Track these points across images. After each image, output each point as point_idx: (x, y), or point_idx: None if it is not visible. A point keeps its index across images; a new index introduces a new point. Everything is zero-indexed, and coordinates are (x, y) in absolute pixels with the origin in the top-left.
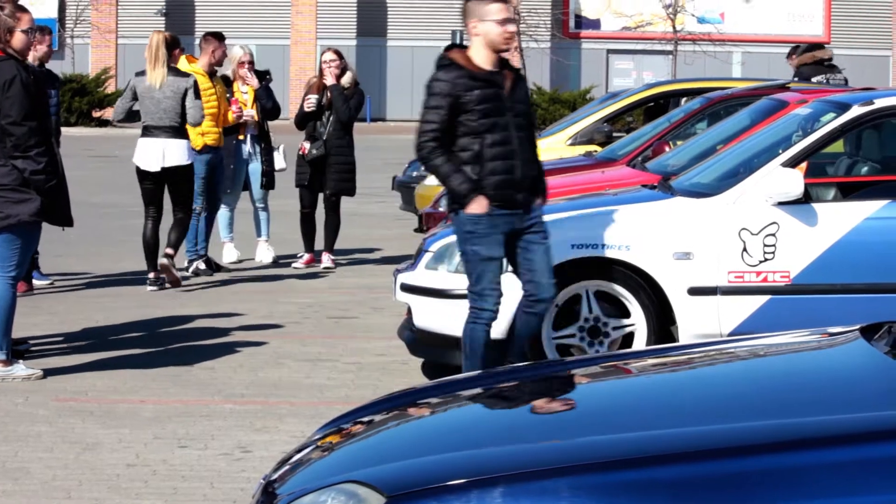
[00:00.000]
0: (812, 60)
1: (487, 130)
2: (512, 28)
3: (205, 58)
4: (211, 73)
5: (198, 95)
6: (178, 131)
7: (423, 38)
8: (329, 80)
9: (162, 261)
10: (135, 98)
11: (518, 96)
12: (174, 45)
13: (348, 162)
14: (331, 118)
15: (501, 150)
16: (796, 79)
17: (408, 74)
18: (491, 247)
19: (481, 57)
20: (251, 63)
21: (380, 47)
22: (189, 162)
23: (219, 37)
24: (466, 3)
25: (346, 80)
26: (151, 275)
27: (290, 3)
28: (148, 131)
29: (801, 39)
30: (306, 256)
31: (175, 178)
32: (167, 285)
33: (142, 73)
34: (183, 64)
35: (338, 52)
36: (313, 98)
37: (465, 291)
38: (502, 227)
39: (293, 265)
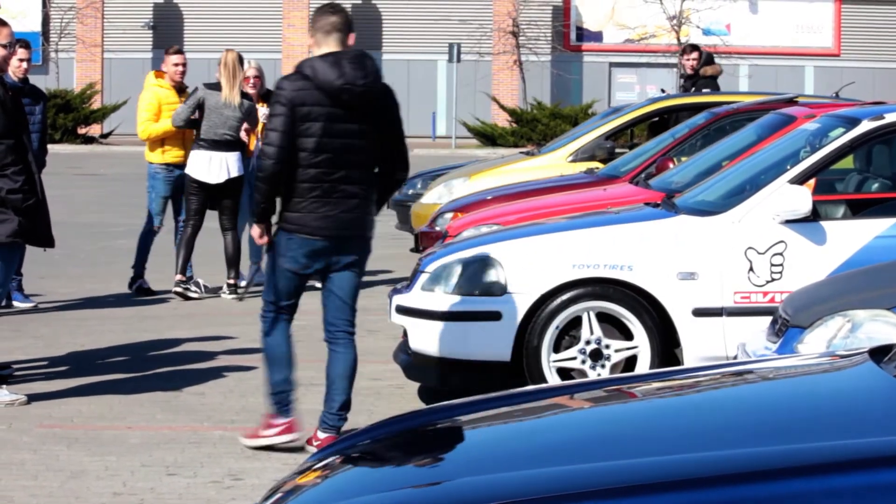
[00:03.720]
0: (715, 74)
1: None
2: None
3: (168, 72)
4: (179, 89)
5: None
6: (237, 145)
7: (419, 52)
8: None
9: (232, 297)
10: (198, 108)
11: None
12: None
13: None
14: None
15: None
16: (695, 88)
17: (403, 88)
18: None
19: None
20: (258, 78)
21: (374, 61)
22: (242, 173)
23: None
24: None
25: None
26: (178, 277)
27: (282, 15)
28: (206, 144)
29: (810, 52)
30: None
31: (231, 189)
32: (192, 295)
33: (212, 87)
34: (150, 79)
35: None
36: None
37: (464, 313)
38: None
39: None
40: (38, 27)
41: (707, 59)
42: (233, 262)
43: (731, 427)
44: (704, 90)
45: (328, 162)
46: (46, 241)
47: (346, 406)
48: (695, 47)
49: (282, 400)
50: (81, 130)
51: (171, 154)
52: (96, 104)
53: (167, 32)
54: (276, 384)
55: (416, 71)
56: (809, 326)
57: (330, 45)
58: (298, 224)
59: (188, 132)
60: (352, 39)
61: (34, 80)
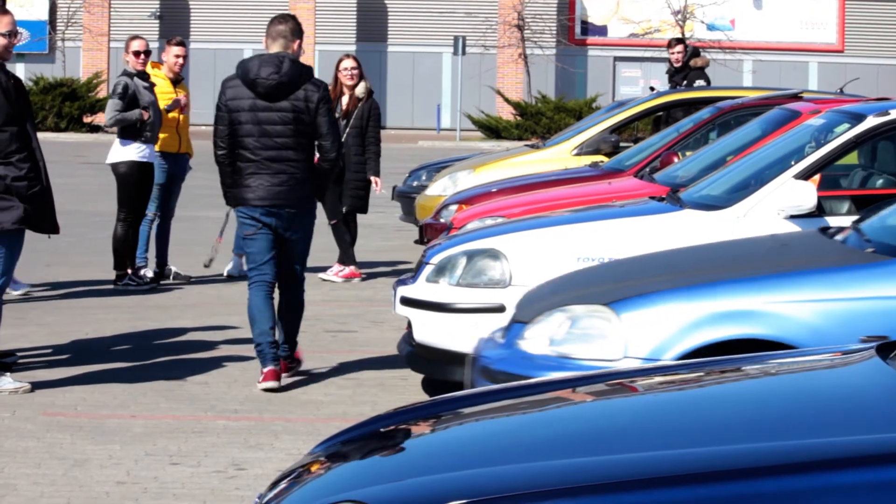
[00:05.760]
0: (704, 65)
1: None
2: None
3: (167, 63)
4: (175, 80)
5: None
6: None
7: (425, 44)
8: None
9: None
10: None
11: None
12: None
13: (365, 179)
14: (348, 130)
15: None
16: (685, 83)
17: (408, 81)
18: None
19: None
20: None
21: (380, 52)
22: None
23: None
24: (298, 23)
25: (360, 90)
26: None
27: (288, 6)
28: None
29: (814, 48)
30: (347, 270)
31: None
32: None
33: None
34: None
35: (356, 60)
36: None
37: (468, 305)
38: None
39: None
40: (45, 16)
41: (693, 51)
42: None
43: (735, 422)
44: (697, 82)
45: (255, 143)
46: (51, 227)
47: (286, 341)
48: (679, 40)
49: (262, 351)
50: (87, 119)
51: (165, 143)
52: (102, 93)
53: (174, 22)
54: (255, 337)
55: (421, 64)
56: (531, 321)
57: (275, 48)
58: (241, 198)
59: (181, 121)
60: (296, 45)
61: (41, 68)
